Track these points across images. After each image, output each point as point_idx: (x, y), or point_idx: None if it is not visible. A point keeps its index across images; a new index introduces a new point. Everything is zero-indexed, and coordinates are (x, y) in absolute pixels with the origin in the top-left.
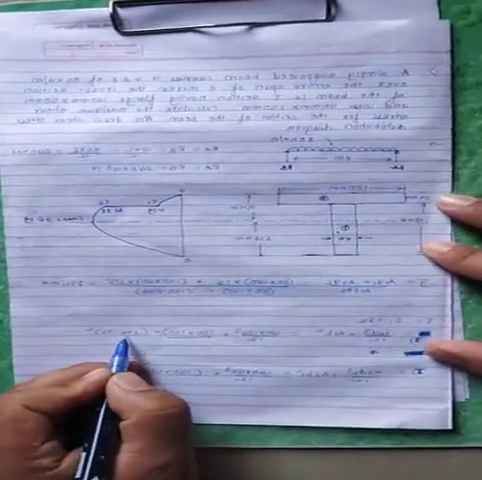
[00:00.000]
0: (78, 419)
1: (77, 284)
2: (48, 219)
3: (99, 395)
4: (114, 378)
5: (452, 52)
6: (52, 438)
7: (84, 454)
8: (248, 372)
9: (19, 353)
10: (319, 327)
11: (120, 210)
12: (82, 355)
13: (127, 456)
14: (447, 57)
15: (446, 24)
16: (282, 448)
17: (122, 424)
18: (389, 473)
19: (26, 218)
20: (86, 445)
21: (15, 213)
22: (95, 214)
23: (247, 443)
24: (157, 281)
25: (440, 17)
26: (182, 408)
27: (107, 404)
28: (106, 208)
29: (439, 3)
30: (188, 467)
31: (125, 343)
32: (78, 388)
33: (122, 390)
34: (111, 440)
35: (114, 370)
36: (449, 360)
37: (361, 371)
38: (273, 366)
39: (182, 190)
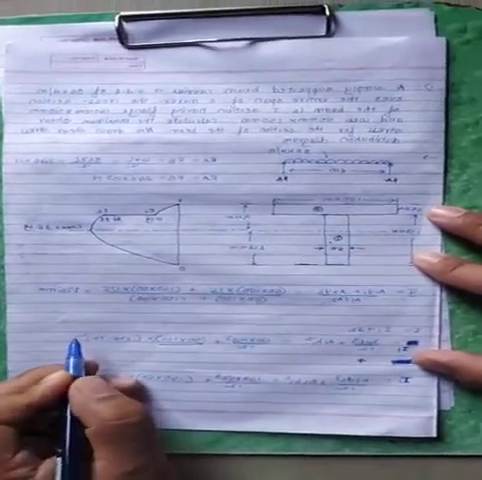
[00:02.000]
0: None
1: (73, 291)
2: (47, 227)
3: (60, 399)
4: (76, 383)
5: (447, 68)
6: (23, 447)
7: (60, 460)
8: (238, 379)
9: (14, 358)
10: (309, 335)
11: (118, 219)
12: None
13: (98, 462)
14: (442, 73)
15: (442, 41)
16: (269, 455)
17: (86, 431)
18: None
19: (26, 226)
20: (60, 450)
21: (15, 220)
22: (94, 222)
23: (235, 449)
24: (152, 289)
25: (436, 34)
26: (141, 416)
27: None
28: (105, 217)
29: (436, 21)
30: (161, 472)
31: (77, 343)
32: (36, 394)
33: (83, 397)
34: (84, 444)
35: (72, 372)
36: (437, 369)
37: (349, 379)
38: (262, 373)
39: (180, 200)
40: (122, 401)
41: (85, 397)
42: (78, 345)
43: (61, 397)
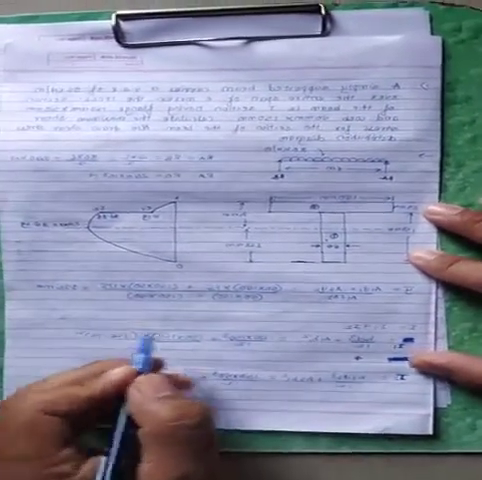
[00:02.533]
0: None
1: (71, 288)
2: (44, 224)
3: (120, 395)
4: (137, 381)
5: (443, 67)
6: (71, 442)
7: (105, 459)
8: (235, 376)
9: (11, 355)
10: (305, 333)
11: (115, 216)
12: (71, 358)
13: (146, 464)
14: (438, 72)
15: (438, 40)
16: (266, 452)
17: (139, 431)
18: (371, 478)
19: (23, 223)
20: (107, 449)
21: (12, 218)
22: (91, 220)
23: (231, 447)
24: (149, 286)
25: (432, 34)
26: (202, 418)
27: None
28: (102, 214)
29: (431, 20)
30: (212, 478)
31: (148, 338)
32: (97, 387)
33: (142, 396)
34: (133, 445)
35: (137, 368)
36: (433, 371)
37: (345, 376)
38: (259, 370)
39: (176, 197)
40: (182, 402)
41: (144, 395)
42: (149, 340)
43: (121, 393)
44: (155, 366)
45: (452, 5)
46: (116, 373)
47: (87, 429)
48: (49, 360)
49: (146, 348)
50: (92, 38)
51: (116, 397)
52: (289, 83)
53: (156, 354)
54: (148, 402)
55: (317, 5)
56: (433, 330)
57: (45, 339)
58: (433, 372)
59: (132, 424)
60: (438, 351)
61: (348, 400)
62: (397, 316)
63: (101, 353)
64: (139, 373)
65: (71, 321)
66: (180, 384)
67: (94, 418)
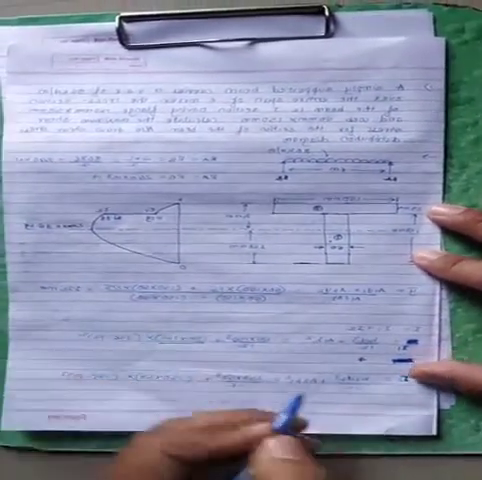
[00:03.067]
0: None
1: (74, 289)
2: (48, 226)
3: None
4: (269, 441)
5: (446, 68)
6: None
7: None
8: (238, 378)
9: (14, 356)
10: (309, 334)
11: (119, 218)
12: (74, 359)
13: None
14: (441, 73)
15: (441, 41)
16: None
17: None
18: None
19: (27, 224)
20: None
21: (16, 219)
22: (94, 221)
23: None
24: (152, 287)
25: (435, 35)
26: None
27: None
28: (105, 216)
29: (435, 22)
30: None
31: (299, 399)
32: (227, 441)
33: (269, 457)
34: None
35: (276, 427)
36: (433, 381)
37: (349, 378)
38: (263, 372)
39: (180, 199)
40: (302, 468)
41: (269, 456)
42: (298, 401)
43: (249, 450)
44: (296, 427)
45: (455, 6)
46: (256, 430)
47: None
48: (52, 361)
49: (293, 409)
50: (96, 40)
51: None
52: (293, 84)
53: (158, 355)
54: (272, 463)
55: (321, 7)
56: (437, 332)
57: (48, 340)
58: (433, 382)
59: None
60: (435, 362)
61: (352, 402)
62: (401, 317)
63: (104, 355)
64: (276, 432)
65: (74, 322)
66: (308, 444)
67: (208, 463)
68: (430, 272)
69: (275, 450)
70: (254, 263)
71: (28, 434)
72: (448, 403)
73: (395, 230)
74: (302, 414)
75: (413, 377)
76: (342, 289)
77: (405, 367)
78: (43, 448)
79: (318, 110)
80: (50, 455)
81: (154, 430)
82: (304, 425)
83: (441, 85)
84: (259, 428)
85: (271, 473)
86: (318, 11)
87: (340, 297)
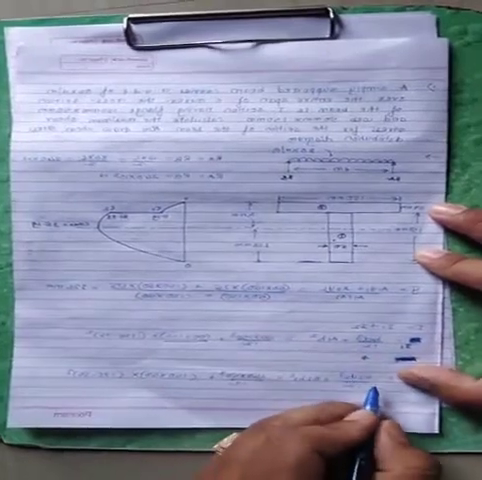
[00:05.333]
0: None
1: (80, 287)
2: (55, 224)
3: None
4: (386, 426)
5: (449, 69)
6: None
7: None
8: (242, 376)
9: (20, 354)
10: (313, 332)
11: (125, 216)
12: (79, 357)
13: None
14: (444, 74)
15: (444, 42)
16: None
17: (380, 475)
18: None
19: (34, 223)
20: None
21: (23, 218)
22: (101, 220)
23: None
24: (158, 285)
25: (438, 37)
26: (437, 471)
27: (370, 451)
28: (112, 214)
29: (438, 24)
30: None
31: (375, 392)
32: (353, 432)
33: (392, 440)
34: None
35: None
36: (418, 384)
37: (352, 376)
38: (267, 370)
39: (186, 198)
40: (423, 452)
41: (394, 441)
42: (376, 393)
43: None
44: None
45: (458, 9)
46: (364, 419)
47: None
48: (58, 359)
49: (375, 400)
50: (104, 41)
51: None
52: (297, 85)
53: (163, 353)
54: (397, 446)
55: (326, 9)
56: (440, 330)
57: (54, 338)
58: (419, 385)
59: (367, 468)
60: (427, 365)
61: (355, 400)
62: (404, 316)
63: (110, 353)
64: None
65: (80, 321)
66: None
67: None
68: (431, 270)
69: (397, 433)
70: (258, 261)
71: (32, 432)
72: None
73: (398, 229)
74: None
75: (401, 378)
76: (346, 288)
77: (408, 365)
78: (47, 446)
79: (323, 110)
80: (54, 453)
81: (286, 424)
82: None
83: (444, 85)
84: (365, 415)
85: (400, 457)
86: (323, 13)
87: (344, 296)
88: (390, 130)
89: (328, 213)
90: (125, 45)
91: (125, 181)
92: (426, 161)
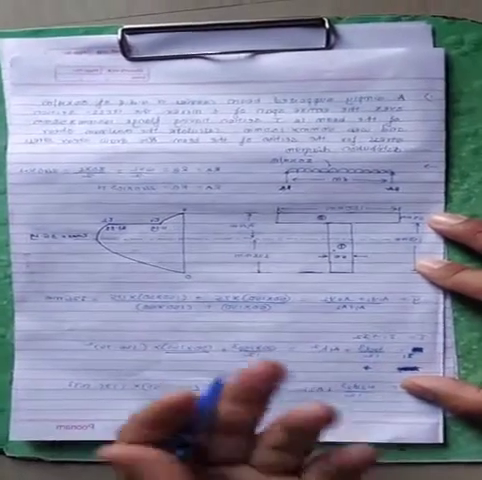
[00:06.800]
0: None
1: (80, 299)
2: (53, 236)
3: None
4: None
5: (447, 79)
6: None
7: None
8: None
9: (20, 366)
10: (314, 343)
11: (124, 228)
12: (80, 370)
13: None
14: (441, 83)
15: (441, 51)
16: None
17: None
18: None
19: (32, 235)
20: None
21: (21, 230)
22: (99, 231)
23: None
24: (158, 297)
25: (434, 47)
26: None
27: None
28: (110, 226)
29: (434, 34)
30: None
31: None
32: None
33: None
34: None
35: None
36: (421, 394)
37: (355, 386)
38: None
39: (184, 209)
40: None
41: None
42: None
43: None
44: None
45: (454, 18)
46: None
47: None
48: (58, 372)
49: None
50: (99, 52)
51: None
52: (294, 95)
53: (164, 365)
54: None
55: (321, 19)
56: (442, 340)
57: (54, 350)
58: (422, 396)
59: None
60: (429, 376)
61: (358, 410)
62: (405, 326)
63: (111, 364)
64: None
65: (80, 333)
66: None
67: None
68: (431, 280)
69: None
70: (259, 272)
71: (34, 444)
72: None
73: (398, 239)
74: None
75: (403, 387)
76: (346, 298)
77: (411, 375)
78: (49, 458)
79: (320, 120)
80: (56, 465)
81: None
82: None
83: (441, 95)
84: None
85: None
86: (318, 23)
87: (344, 306)
88: (388, 140)
89: (327, 223)
90: (120, 56)
91: (123, 192)
92: (425, 171)
